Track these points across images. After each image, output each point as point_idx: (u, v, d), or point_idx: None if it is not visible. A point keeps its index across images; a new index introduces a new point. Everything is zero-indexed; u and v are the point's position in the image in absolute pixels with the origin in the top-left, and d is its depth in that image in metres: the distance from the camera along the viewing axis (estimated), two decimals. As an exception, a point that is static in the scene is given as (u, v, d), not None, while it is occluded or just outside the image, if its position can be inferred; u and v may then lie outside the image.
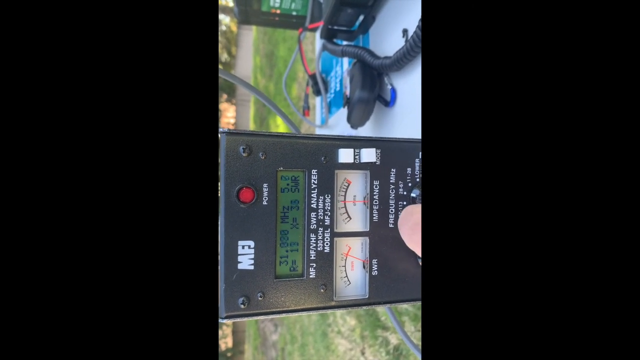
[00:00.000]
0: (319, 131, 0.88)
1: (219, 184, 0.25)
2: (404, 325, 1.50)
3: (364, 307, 0.28)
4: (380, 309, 1.77)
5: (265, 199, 0.26)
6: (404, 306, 1.50)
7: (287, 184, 0.27)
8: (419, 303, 0.28)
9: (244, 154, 0.25)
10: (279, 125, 4.31)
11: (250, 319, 0.26)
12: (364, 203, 0.28)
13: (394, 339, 1.67)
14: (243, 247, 0.25)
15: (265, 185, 0.26)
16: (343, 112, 0.72)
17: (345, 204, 0.28)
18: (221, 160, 0.25)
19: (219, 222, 0.25)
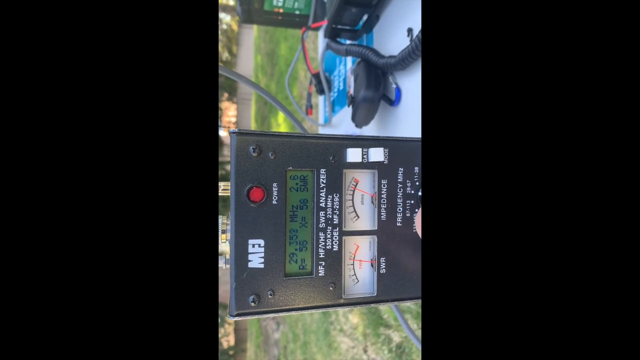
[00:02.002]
0: (323, 130, 0.88)
1: (230, 184, 0.26)
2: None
3: (372, 305, 0.29)
4: (383, 307, 1.77)
5: (275, 198, 0.26)
6: (407, 304, 1.50)
7: (296, 184, 0.27)
8: None
9: (254, 154, 0.26)
10: (280, 124, 4.31)
11: (260, 316, 0.26)
12: (372, 198, 0.29)
13: (396, 337, 1.68)
14: (253, 245, 0.26)
15: (274, 184, 0.26)
16: (346, 111, 0.72)
17: (353, 203, 0.28)
18: (231, 160, 0.26)
19: (230, 221, 0.26)
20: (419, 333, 1.47)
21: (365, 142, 0.28)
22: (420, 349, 0.32)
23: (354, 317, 2.10)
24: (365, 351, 1.91)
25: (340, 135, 0.28)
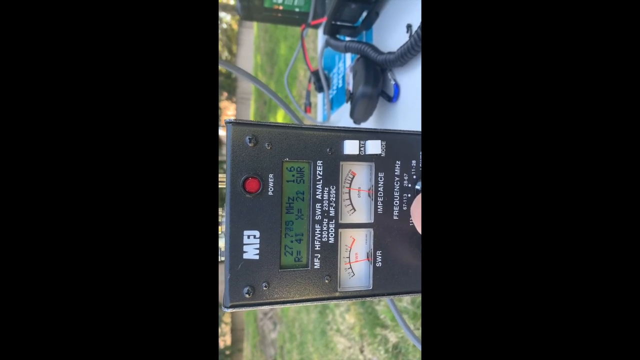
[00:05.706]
0: (320, 128, 0.87)
1: (225, 174, 0.26)
2: (403, 324, 1.49)
3: (368, 299, 0.29)
4: (380, 307, 1.77)
5: (270, 189, 0.26)
6: (404, 304, 1.50)
7: (293, 175, 0.27)
8: (420, 299, 0.28)
9: (250, 144, 0.25)
10: (279, 124, 4.29)
11: (254, 308, 0.26)
12: (369, 194, 0.29)
13: (393, 337, 1.67)
14: (248, 236, 0.26)
15: (270, 175, 0.26)
16: (345, 108, 0.72)
17: (350, 195, 0.28)
18: (227, 150, 0.25)
19: (225, 212, 0.26)
20: (416, 333, 1.46)
21: (362, 135, 0.28)
22: (418, 348, 0.32)
23: (350, 317, 2.10)
24: (361, 351, 1.91)
25: (338, 127, 0.28)
